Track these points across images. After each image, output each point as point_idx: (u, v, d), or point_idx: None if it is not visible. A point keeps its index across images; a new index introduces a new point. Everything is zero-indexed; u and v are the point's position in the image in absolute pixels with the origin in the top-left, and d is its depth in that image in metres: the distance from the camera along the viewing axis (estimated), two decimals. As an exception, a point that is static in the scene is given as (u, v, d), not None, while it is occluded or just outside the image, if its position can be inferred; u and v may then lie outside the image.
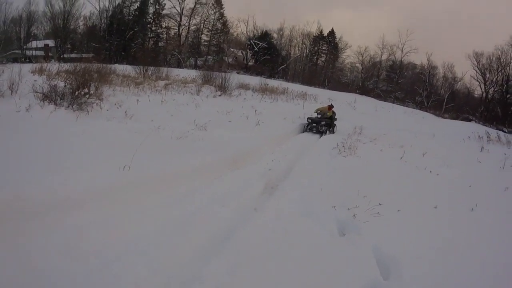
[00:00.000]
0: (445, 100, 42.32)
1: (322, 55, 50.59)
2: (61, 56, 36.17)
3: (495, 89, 40.95)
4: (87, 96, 7.95)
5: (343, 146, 8.30)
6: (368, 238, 3.47)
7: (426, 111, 36.33)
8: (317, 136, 11.43)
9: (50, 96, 7.45)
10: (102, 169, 3.85)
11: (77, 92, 7.76)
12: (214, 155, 5.71)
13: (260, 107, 14.20)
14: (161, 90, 13.67)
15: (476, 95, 44.18)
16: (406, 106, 37.54)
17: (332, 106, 13.46)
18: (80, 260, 2.46)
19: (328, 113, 12.78)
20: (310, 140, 10.24)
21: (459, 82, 45.07)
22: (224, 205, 3.92)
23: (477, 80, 42.45)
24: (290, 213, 3.96)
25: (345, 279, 2.79)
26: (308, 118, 12.68)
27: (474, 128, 16.25)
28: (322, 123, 12.25)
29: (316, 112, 13.10)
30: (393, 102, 39.64)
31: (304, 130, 12.38)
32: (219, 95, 15.55)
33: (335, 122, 13.10)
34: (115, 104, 9.00)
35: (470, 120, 32.79)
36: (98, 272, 2.38)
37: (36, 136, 4.91)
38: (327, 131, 12.21)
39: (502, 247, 3.66)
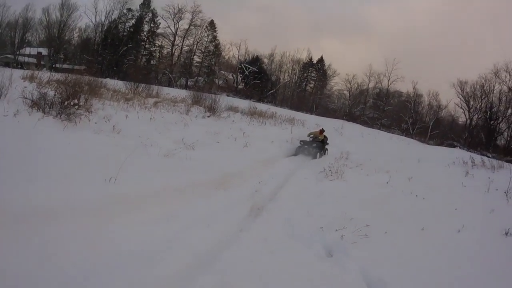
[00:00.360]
0: (430, 127, 43.57)
1: (311, 81, 51.88)
2: (53, 66, 35.92)
3: (479, 116, 42.45)
4: (76, 107, 7.87)
5: (330, 170, 8.38)
6: (356, 259, 3.49)
7: (412, 138, 37.20)
8: (305, 160, 11.52)
9: (39, 104, 7.34)
10: (86, 181, 3.79)
11: (66, 102, 7.68)
12: (201, 175, 5.69)
13: (248, 129, 14.25)
14: (150, 108, 13.63)
15: (460, 122, 45.71)
16: (392, 133, 38.39)
17: (323, 131, 14.05)
18: (57, 270, 2.40)
19: (319, 137, 13.31)
20: (297, 164, 10.31)
21: (443, 110, 46.61)
22: (209, 225, 3.89)
23: (461, 108, 44.10)
24: (276, 234, 3.96)
25: None
26: (300, 141, 13.03)
27: (458, 154, 16.44)
28: (314, 145, 12.69)
29: (308, 136, 13.64)
30: (379, 129, 40.59)
31: (296, 153, 12.56)
32: (208, 116, 15.57)
33: (326, 146, 13.62)
34: (104, 118, 8.90)
35: (454, 146, 33.40)
36: (76, 285, 2.31)
37: (21, 142, 4.80)
38: (318, 154, 12.50)
39: (488, 267, 3.68)
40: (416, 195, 6.41)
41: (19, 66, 30.44)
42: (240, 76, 47.32)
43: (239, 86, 46.98)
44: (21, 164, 3.77)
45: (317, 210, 5.02)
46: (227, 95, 35.37)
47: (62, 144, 5.42)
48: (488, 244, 4.38)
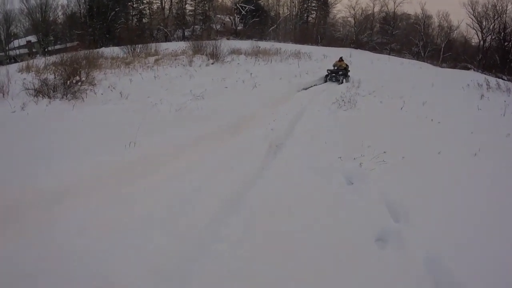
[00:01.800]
0: (442, 49, 40.90)
1: (312, 11, 48.69)
2: (46, 50, 35.36)
3: (493, 37, 39.33)
4: (79, 83, 7.85)
5: (343, 100, 8.21)
6: (376, 185, 3.55)
7: (424, 62, 35.09)
8: (316, 92, 11.33)
9: (43, 91, 7.36)
10: (108, 150, 3.85)
11: (68, 82, 7.66)
12: (214, 123, 5.69)
13: (255, 70, 13.94)
14: (152, 66, 13.44)
15: (473, 43, 42.62)
16: (403, 58, 36.44)
17: (342, 59, 15.53)
18: (98, 238, 2.52)
19: (342, 65, 14.90)
20: (309, 98, 10.11)
21: (455, 31, 43.34)
22: (232, 168, 3.97)
23: (474, 28, 40.97)
24: (297, 168, 4.01)
25: (359, 223, 2.89)
26: (327, 70, 14.80)
27: (473, 77, 15.98)
28: (340, 72, 14.46)
29: (333, 66, 15.13)
30: (389, 54, 38.36)
31: (325, 80, 14.42)
32: (212, 63, 15.26)
33: (349, 73, 14.93)
34: (109, 87, 8.88)
35: (468, 69, 31.63)
36: (117, 247, 2.45)
37: (36, 130, 4.90)
38: (344, 80, 14.26)
39: (505, 187, 3.72)
40: (432, 120, 6.26)
41: (13, 60, 30.08)
42: (238, 17, 45.07)
43: (238, 28, 44.94)
44: (42, 150, 3.87)
45: (333, 141, 5.02)
46: (228, 39, 34.23)
47: (75, 122, 5.51)
48: (504, 167, 4.35)
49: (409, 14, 46.02)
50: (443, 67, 31.73)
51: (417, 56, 40.72)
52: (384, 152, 4.27)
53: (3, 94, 7.43)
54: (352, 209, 3.10)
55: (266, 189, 3.41)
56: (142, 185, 3.41)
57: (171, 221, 2.80)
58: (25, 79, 8.80)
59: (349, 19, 48.64)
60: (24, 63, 12.42)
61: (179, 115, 6.15)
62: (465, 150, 4.72)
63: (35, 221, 2.58)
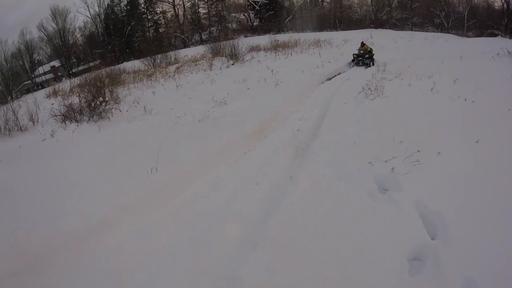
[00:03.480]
0: (466, 17, 38.16)
1: None
2: (70, 72, 36.68)
3: None
4: (104, 104, 7.93)
5: (369, 88, 7.78)
6: (410, 193, 3.19)
7: (448, 33, 33.39)
8: (340, 83, 10.80)
9: (70, 116, 7.49)
10: (129, 178, 3.78)
11: (93, 103, 7.76)
12: (239, 129, 5.51)
13: (276, 65, 13.67)
14: (173, 75, 13.51)
15: (496, 7, 39.35)
16: (426, 31, 34.66)
17: (364, 43, 15.41)
18: (124, 279, 2.45)
19: (367, 49, 14.89)
20: (334, 88, 9.66)
21: None
22: (258, 183, 3.78)
23: None
24: (324, 178, 3.72)
25: (391, 242, 2.59)
26: (353, 54, 14.85)
27: (501, 44, 14.83)
28: (366, 56, 14.51)
29: (358, 50, 15.20)
30: (412, 30, 36.76)
31: (352, 65, 14.40)
32: (232, 64, 15.16)
33: (373, 57, 14.83)
34: (133, 102, 8.95)
35: (496, 35, 29.75)
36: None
37: (63, 160, 4.92)
38: (370, 63, 14.30)
39: None
40: (465, 99, 5.74)
41: (40, 87, 31.43)
42: (252, 13, 44.74)
43: (254, 24, 44.69)
44: (67, 183, 3.85)
45: (362, 138, 4.63)
46: (245, 36, 34.20)
47: (101, 146, 5.49)
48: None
49: (427, -16, 43.78)
50: (469, 37, 30.01)
51: (440, 28, 38.48)
52: (418, 151, 3.89)
53: (33, 122, 7.65)
54: (383, 225, 2.81)
55: (291, 212, 3.15)
56: (164, 212, 3.30)
57: (192, 257, 2.67)
58: (53, 104, 9.05)
59: (365, -3, 47.02)
60: (50, 88, 12.83)
61: (203, 126, 6.01)
62: (506, 135, 4.21)
63: (63, 266, 2.54)
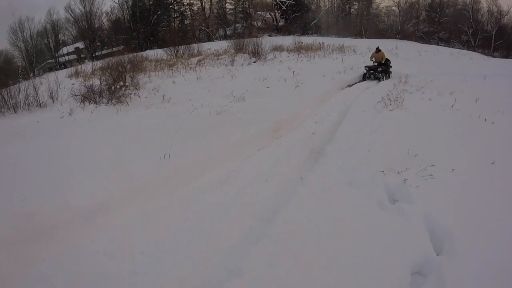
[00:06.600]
0: (493, 37, 37.18)
1: (354, 2, 46.74)
2: (93, 55, 37.26)
3: None
4: (123, 88, 7.99)
5: (389, 98, 7.62)
6: (420, 206, 3.09)
7: (474, 51, 32.49)
8: (360, 90, 10.64)
9: (89, 96, 7.57)
10: (142, 162, 3.77)
11: (113, 87, 7.82)
12: (255, 126, 5.44)
13: (297, 67, 13.59)
14: (195, 67, 13.58)
15: None
16: (452, 47, 33.68)
17: (379, 49, 13.54)
18: (125, 260, 2.43)
19: (382, 60, 13.08)
20: (354, 96, 9.51)
21: (505, 16, 39.16)
22: (267, 180, 3.72)
23: None
24: (336, 183, 3.64)
25: (395, 253, 2.50)
26: (365, 66, 13.13)
27: None
28: (379, 69, 12.77)
29: (371, 60, 13.47)
30: (437, 44, 35.96)
31: (363, 79, 12.84)
32: (254, 62, 15.16)
33: (390, 69, 13.31)
34: (152, 90, 9.02)
35: None
36: (144, 270, 2.35)
37: (79, 138, 4.97)
38: (384, 77, 12.66)
39: None
40: (485, 119, 5.55)
41: (62, 66, 32.03)
42: (278, 13, 44.66)
43: (279, 24, 44.62)
44: (79, 162, 3.86)
45: (377, 148, 4.51)
46: (269, 35, 34.10)
47: (117, 128, 5.52)
48: None
49: (456, 0, 42.79)
50: (496, 57, 29.19)
51: (467, 45, 37.54)
52: (432, 165, 3.77)
53: (53, 100, 7.79)
54: (390, 236, 2.72)
55: (298, 211, 3.09)
56: (173, 199, 3.28)
57: (195, 246, 2.63)
58: (73, 84, 9.18)
59: (393, 8, 46.13)
60: (73, 69, 13.02)
61: (219, 119, 5.98)
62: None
63: (66, 240, 2.55)
